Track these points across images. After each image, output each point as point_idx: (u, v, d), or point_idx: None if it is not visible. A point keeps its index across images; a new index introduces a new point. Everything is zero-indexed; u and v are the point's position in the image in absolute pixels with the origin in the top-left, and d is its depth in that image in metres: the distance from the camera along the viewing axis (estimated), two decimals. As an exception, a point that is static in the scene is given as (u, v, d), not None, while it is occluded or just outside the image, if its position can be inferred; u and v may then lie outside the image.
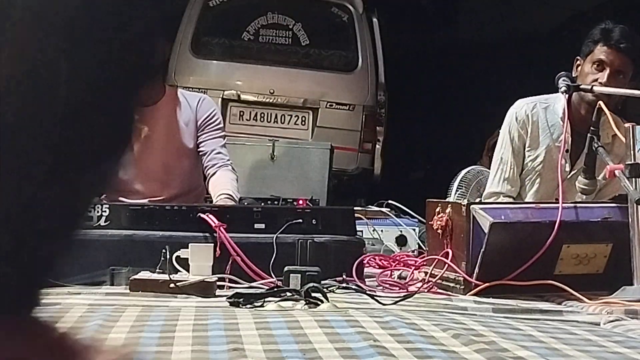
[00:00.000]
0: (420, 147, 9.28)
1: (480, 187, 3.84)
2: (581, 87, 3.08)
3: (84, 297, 2.28)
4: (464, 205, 2.66)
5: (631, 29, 3.28)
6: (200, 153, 3.43)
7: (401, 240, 4.05)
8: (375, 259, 3.16)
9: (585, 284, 2.49)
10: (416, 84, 9.41)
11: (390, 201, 4.57)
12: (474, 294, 2.52)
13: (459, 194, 4.03)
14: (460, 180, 4.11)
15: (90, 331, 1.73)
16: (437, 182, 4.60)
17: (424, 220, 3.11)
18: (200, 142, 3.43)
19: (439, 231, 2.75)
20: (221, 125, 3.55)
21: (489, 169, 3.44)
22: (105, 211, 2.73)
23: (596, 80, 3.11)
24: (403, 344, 1.65)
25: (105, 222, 2.72)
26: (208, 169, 3.39)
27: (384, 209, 4.46)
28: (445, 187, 4.23)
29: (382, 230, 4.08)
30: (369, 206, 4.71)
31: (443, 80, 9.91)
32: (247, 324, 1.84)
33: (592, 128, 2.84)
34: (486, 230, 2.55)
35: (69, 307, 2.07)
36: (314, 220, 2.82)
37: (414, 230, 4.13)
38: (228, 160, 3.45)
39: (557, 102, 3.28)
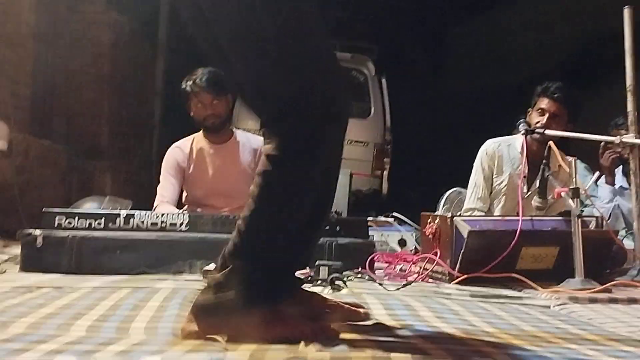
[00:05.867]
0: (416, 173, 9.22)
1: (460, 204, 3.81)
2: (536, 130, 3.07)
3: (170, 282, 2.30)
4: (448, 218, 2.65)
5: (572, 86, 3.28)
6: None
7: (402, 243, 4.02)
8: (382, 256, 3.15)
9: (539, 277, 2.46)
10: (414, 126, 9.39)
11: (394, 213, 4.54)
12: (456, 283, 2.50)
13: (445, 208, 4.01)
14: (446, 199, 4.09)
15: (173, 307, 1.75)
16: (429, 199, 4.57)
17: (419, 228, 3.10)
18: None
19: (430, 236, 2.75)
20: None
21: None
22: (186, 219, 2.75)
23: (538, 122, 3.12)
24: (396, 320, 1.66)
25: (185, 227, 2.74)
26: None
27: (389, 219, 4.43)
28: (435, 203, 4.21)
29: (388, 235, 4.06)
30: (379, 217, 4.68)
31: (435, 122, 9.90)
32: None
33: (544, 160, 2.82)
34: (465, 236, 2.54)
35: (158, 289, 2.09)
36: (337, 227, 2.82)
37: (412, 235, 4.09)
38: None
39: (516, 141, 3.27)
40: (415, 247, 3.90)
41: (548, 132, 2.98)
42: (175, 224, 2.72)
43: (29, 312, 1.64)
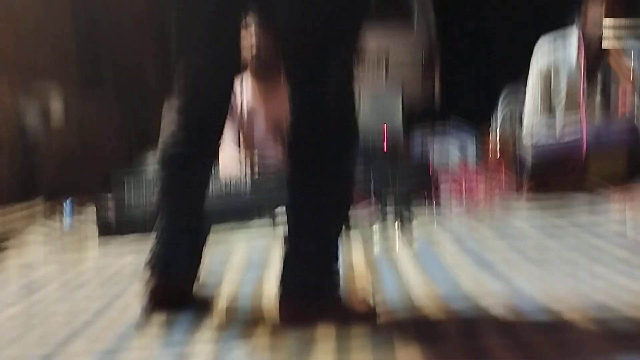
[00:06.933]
0: (469, 71, 8.90)
1: (518, 106, 3.67)
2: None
3: (243, 234, 2.22)
4: (510, 135, 2.62)
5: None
6: None
7: (462, 150, 3.88)
8: (446, 175, 3.04)
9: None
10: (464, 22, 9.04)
11: (452, 117, 4.35)
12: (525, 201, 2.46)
13: (503, 115, 3.84)
14: (503, 102, 3.93)
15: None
16: (485, 98, 4.40)
17: (479, 133, 3.02)
18: None
19: (492, 155, 2.72)
20: None
21: None
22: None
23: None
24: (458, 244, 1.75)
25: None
26: None
27: (446, 126, 4.27)
28: (491, 102, 4.01)
29: (447, 145, 3.92)
30: (435, 124, 4.51)
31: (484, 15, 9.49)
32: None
33: (602, 60, 2.70)
34: (530, 154, 2.52)
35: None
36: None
37: (472, 141, 3.93)
38: None
39: (572, 36, 3.11)
40: (477, 155, 3.81)
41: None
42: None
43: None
